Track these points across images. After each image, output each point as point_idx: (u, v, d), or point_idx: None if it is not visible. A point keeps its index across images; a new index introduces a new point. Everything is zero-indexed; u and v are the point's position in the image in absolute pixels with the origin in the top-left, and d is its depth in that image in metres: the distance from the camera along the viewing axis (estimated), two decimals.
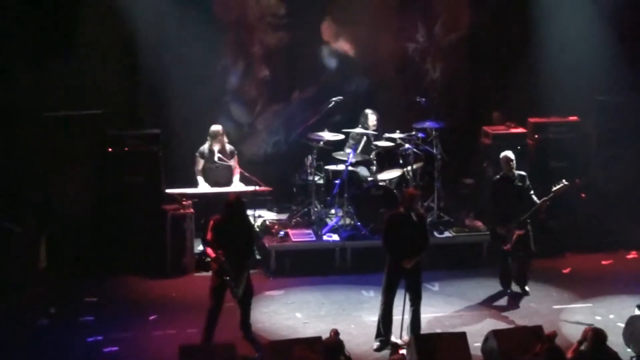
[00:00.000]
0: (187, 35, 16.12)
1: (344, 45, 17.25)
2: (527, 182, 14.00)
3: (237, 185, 15.13)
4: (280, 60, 17.15)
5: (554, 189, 13.77)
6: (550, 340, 10.65)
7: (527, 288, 14.16)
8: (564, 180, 13.83)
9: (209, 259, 12.47)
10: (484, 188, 15.70)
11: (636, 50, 16.75)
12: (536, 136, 16.29)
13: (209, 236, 12.07)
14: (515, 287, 14.24)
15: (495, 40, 17.50)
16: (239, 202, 12.18)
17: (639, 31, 16.96)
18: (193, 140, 15.48)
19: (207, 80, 16.71)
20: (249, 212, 14.67)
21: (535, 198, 13.86)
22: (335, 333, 11.21)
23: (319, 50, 17.24)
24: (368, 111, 16.15)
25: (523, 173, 14.03)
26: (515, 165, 13.90)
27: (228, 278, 11.83)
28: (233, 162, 15.29)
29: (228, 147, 15.34)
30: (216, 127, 15.26)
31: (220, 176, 15.26)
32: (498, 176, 14.09)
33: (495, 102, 17.16)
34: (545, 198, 13.78)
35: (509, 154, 13.95)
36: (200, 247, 14.64)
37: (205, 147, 15.26)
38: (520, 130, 16.34)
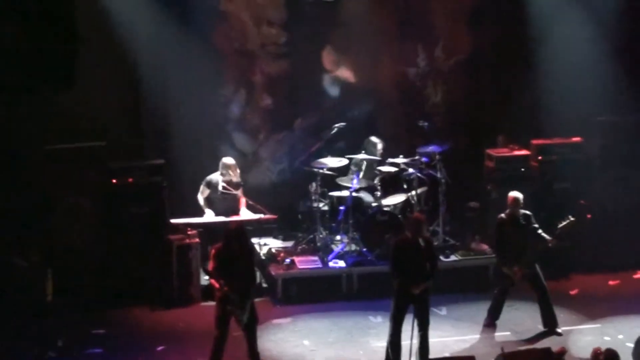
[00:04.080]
0: (189, 65, 16.16)
1: (344, 72, 17.29)
2: (533, 222, 13.65)
3: (244, 214, 15.01)
4: (282, 88, 17.14)
5: (560, 226, 13.49)
6: (560, 357, 10.57)
7: (559, 330, 13.65)
8: (570, 217, 13.53)
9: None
10: (489, 211, 15.65)
11: (637, 70, 16.75)
12: (539, 158, 16.21)
13: (210, 266, 12.10)
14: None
15: (495, 64, 17.49)
16: (239, 230, 12.19)
17: None
18: (197, 169, 15.49)
19: (209, 109, 16.72)
20: (255, 240, 14.85)
21: (544, 235, 13.57)
22: None
23: (320, 78, 17.28)
24: (374, 139, 16.16)
25: (528, 212, 13.64)
26: (522, 205, 13.56)
27: (230, 307, 11.86)
28: (239, 193, 15.25)
29: (235, 178, 15.29)
30: (230, 160, 15.26)
31: (226, 206, 15.18)
32: (503, 215, 13.61)
33: (498, 124, 17.12)
34: (551, 237, 13.50)
35: (518, 194, 13.52)
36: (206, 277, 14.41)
37: (213, 177, 15.24)
38: (523, 152, 16.28)
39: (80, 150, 14.91)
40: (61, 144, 14.84)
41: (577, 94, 16.51)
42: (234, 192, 15.15)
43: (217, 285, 11.97)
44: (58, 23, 14.49)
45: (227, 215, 15.06)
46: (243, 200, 15.21)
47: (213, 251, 12.12)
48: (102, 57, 15.63)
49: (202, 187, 15.21)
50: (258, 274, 13.94)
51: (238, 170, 15.30)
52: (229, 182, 15.12)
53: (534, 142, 16.39)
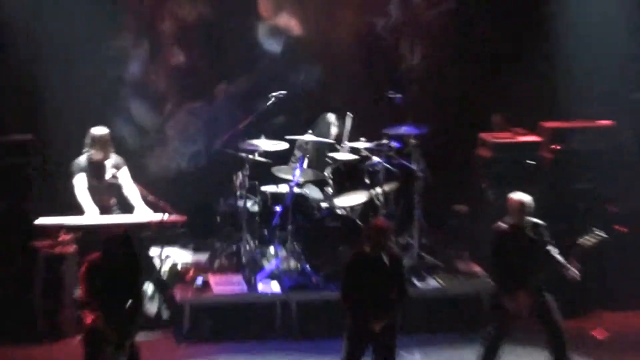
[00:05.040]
0: (71, 9, 14.54)
1: (287, 21, 15.66)
2: (546, 236, 11.48)
3: (140, 212, 13.03)
4: (200, 41, 15.57)
5: (582, 243, 11.36)
6: None
7: None
8: (596, 231, 11.45)
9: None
10: (483, 218, 13.53)
11: None
12: (554, 147, 14.12)
13: (80, 288, 10.51)
14: None
15: (494, 15, 15.61)
16: (125, 239, 10.74)
17: None
18: (78, 151, 13.32)
19: (97, 69, 15.03)
20: (154, 250, 13.30)
21: (557, 256, 11.34)
22: None
23: (253, 29, 15.62)
24: (330, 117, 14.44)
25: (541, 222, 11.51)
26: (530, 212, 11.44)
27: (103, 345, 10.29)
28: (125, 177, 13.29)
29: (115, 157, 13.39)
30: (100, 131, 13.34)
31: (106, 197, 13.22)
32: (503, 224, 11.58)
33: (495, 100, 15.25)
34: (569, 260, 11.20)
35: (525, 197, 11.41)
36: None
37: (83, 159, 13.31)
38: (531, 138, 14.28)
39: None
40: None
41: (607, 62, 14.77)
42: (118, 178, 13.30)
43: (87, 316, 10.43)
44: None
45: (106, 208, 13.20)
46: (136, 190, 13.23)
47: (84, 267, 10.47)
48: None
49: (75, 176, 13.17)
50: (157, 298, 12.72)
51: (112, 147, 13.51)
52: (107, 163, 13.32)
53: (546, 124, 14.38)
